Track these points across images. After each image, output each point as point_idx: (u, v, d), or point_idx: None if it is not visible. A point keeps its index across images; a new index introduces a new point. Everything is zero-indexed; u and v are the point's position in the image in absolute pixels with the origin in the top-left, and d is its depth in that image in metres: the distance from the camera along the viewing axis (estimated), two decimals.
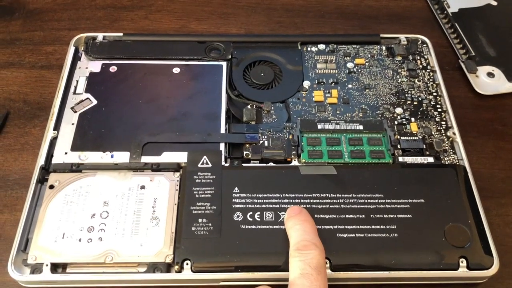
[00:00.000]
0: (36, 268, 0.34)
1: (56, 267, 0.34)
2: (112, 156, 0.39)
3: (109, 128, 0.41)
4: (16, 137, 0.43)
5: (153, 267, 0.34)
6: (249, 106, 0.43)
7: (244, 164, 0.40)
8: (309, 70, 0.46)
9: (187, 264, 0.34)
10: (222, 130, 0.41)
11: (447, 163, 0.40)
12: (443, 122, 0.43)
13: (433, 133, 0.42)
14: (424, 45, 0.49)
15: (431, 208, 0.37)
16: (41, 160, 0.39)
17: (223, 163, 0.39)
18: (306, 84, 0.45)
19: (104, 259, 0.34)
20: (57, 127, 0.41)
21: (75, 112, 0.42)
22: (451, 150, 0.41)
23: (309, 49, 0.48)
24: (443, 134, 0.42)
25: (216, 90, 0.44)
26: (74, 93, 0.43)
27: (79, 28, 0.52)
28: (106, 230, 0.35)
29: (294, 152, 0.40)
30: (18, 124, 0.44)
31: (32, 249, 0.35)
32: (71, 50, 0.47)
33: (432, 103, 0.44)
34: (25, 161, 0.42)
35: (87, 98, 0.43)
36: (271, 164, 0.40)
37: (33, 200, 0.37)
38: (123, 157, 0.39)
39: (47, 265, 0.34)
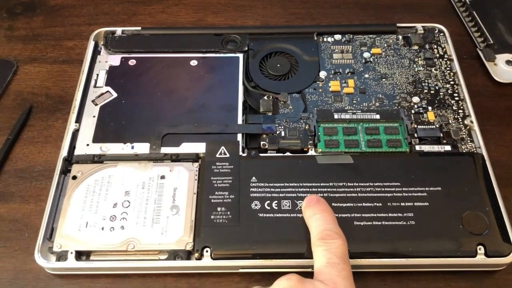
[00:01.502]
0: (62, 256, 0.35)
1: (80, 255, 0.36)
2: (132, 147, 0.40)
3: (129, 120, 0.42)
4: (39, 130, 0.45)
5: (173, 255, 0.35)
6: (265, 97, 0.44)
7: (261, 154, 0.40)
8: (325, 61, 0.46)
9: (206, 251, 0.35)
10: (239, 121, 0.42)
11: (464, 151, 0.40)
12: (460, 111, 0.43)
13: (450, 121, 0.42)
14: (441, 34, 0.48)
15: (448, 196, 0.37)
16: (64, 152, 0.40)
17: (240, 153, 0.40)
18: (323, 74, 0.45)
19: (126, 247, 0.35)
20: (78, 119, 0.42)
21: (96, 105, 0.43)
22: (469, 139, 0.41)
23: (325, 39, 0.48)
24: (461, 123, 0.42)
25: (233, 81, 0.45)
26: (95, 86, 0.44)
27: (98, 23, 0.53)
28: (127, 219, 0.36)
29: (310, 142, 0.41)
30: (41, 118, 0.46)
31: (57, 238, 0.36)
32: (91, 45, 0.48)
33: (449, 91, 0.44)
34: (48, 153, 0.43)
35: (107, 91, 0.44)
36: (288, 154, 0.40)
37: (57, 191, 0.38)
38: (143, 148, 0.40)
39: (71, 253, 0.35)
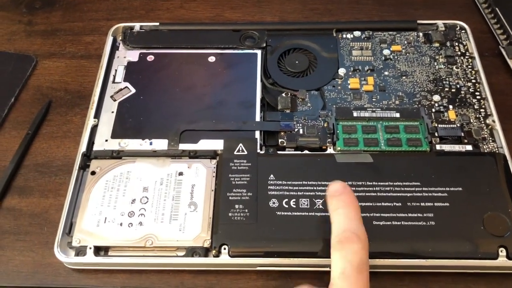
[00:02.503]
0: (80, 251, 0.36)
1: (98, 250, 0.36)
2: (151, 144, 0.40)
3: (147, 116, 0.42)
4: (58, 125, 0.45)
5: (191, 251, 0.35)
6: (284, 94, 0.43)
7: (279, 152, 0.40)
8: (344, 57, 0.46)
9: (224, 248, 0.35)
10: (257, 118, 0.42)
11: (486, 151, 0.39)
12: (482, 110, 0.42)
13: (471, 120, 0.41)
14: (463, 31, 0.48)
15: (469, 196, 0.36)
16: (82, 147, 0.41)
17: (258, 150, 0.39)
18: (342, 71, 0.45)
19: (144, 243, 0.35)
20: (97, 115, 0.42)
21: (115, 100, 0.43)
22: (491, 138, 0.40)
23: (344, 36, 0.47)
24: (482, 122, 0.41)
25: (251, 78, 0.44)
26: (113, 82, 0.45)
27: (116, 18, 0.53)
28: (146, 215, 0.37)
29: (329, 140, 0.40)
30: (60, 112, 0.46)
31: (76, 233, 0.36)
32: (109, 40, 0.48)
33: (470, 90, 0.43)
34: (67, 148, 0.43)
35: (126, 87, 0.44)
36: (306, 152, 0.40)
37: (76, 186, 0.39)
38: (161, 144, 0.40)
39: (90, 248, 0.35)
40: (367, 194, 0.36)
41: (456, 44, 0.46)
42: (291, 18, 0.53)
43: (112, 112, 0.42)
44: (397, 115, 0.41)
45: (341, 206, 0.31)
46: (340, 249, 0.29)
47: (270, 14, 0.53)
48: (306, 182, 0.37)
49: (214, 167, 0.39)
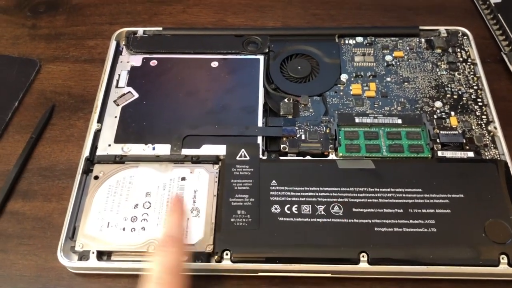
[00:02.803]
0: (83, 255, 0.36)
1: (101, 255, 0.36)
2: (154, 149, 0.40)
3: (150, 121, 0.42)
4: (61, 129, 0.45)
5: (194, 256, 0.35)
6: (286, 100, 0.43)
7: (281, 157, 0.40)
8: (346, 63, 0.46)
9: (226, 254, 0.35)
10: (260, 124, 0.42)
11: (487, 158, 0.40)
12: (483, 116, 0.42)
13: (473, 127, 0.41)
14: (465, 37, 0.48)
15: (471, 203, 0.36)
16: (86, 152, 0.41)
17: (260, 156, 0.40)
18: (344, 77, 0.45)
19: (147, 248, 0.35)
20: (100, 119, 0.43)
21: (118, 105, 0.43)
22: (492, 145, 0.40)
23: (346, 42, 0.48)
24: (484, 129, 0.41)
25: (254, 83, 0.45)
26: (117, 86, 0.45)
27: (120, 23, 0.53)
28: (148, 220, 0.37)
29: (331, 145, 0.40)
30: (63, 117, 0.46)
31: (79, 237, 0.36)
32: (112, 45, 0.48)
33: (472, 96, 0.43)
34: (70, 152, 0.44)
35: (129, 92, 0.44)
36: (308, 157, 0.40)
37: (79, 190, 0.39)
38: (164, 149, 0.40)
39: (93, 253, 0.36)
40: (368, 200, 0.37)
41: (458, 50, 0.47)
42: (293, 24, 0.53)
43: (115, 116, 0.43)
44: (399, 121, 0.41)
45: (168, 213, 0.36)
46: (157, 253, 0.32)
47: (272, 20, 0.53)
48: (308, 188, 0.37)
49: (217, 172, 0.39)
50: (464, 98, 0.43)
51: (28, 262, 0.37)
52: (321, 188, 0.37)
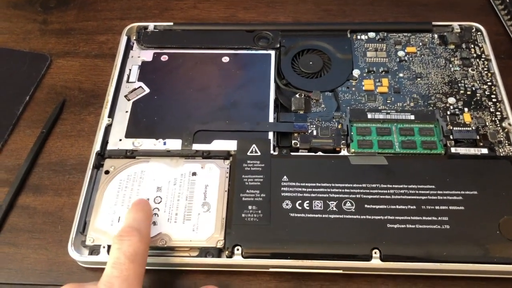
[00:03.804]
0: (94, 250, 0.36)
1: None
2: (164, 143, 0.40)
3: (161, 116, 0.42)
4: (72, 124, 0.45)
5: (204, 252, 0.35)
6: (297, 95, 0.43)
7: (292, 153, 0.40)
8: (358, 59, 0.46)
9: (237, 249, 0.35)
10: (271, 119, 0.42)
11: (502, 154, 0.39)
12: (498, 113, 0.41)
13: (487, 123, 0.41)
14: (479, 33, 0.47)
15: (485, 200, 0.36)
16: (96, 146, 0.41)
17: (271, 151, 0.39)
18: (356, 73, 0.45)
19: (157, 243, 0.35)
20: (111, 114, 0.43)
21: (129, 100, 0.43)
22: (507, 142, 0.40)
23: (358, 37, 0.47)
24: (498, 125, 0.41)
25: (265, 79, 0.44)
26: (127, 81, 0.45)
27: (130, 18, 0.53)
28: (159, 215, 0.37)
29: (343, 141, 0.40)
30: (74, 111, 0.46)
31: (90, 232, 0.36)
32: (123, 40, 0.48)
33: (486, 92, 0.43)
34: (81, 147, 0.43)
35: (140, 87, 0.44)
36: (319, 153, 0.40)
37: (89, 185, 0.39)
38: (175, 144, 0.40)
39: (104, 247, 0.35)
40: (381, 197, 0.36)
41: (472, 46, 0.46)
42: (305, 19, 0.53)
43: (126, 111, 0.42)
44: (412, 117, 0.41)
45: (131, 210, 0.35)
46: (117, 242, 0.32)
47: (283, 15, 0.53)
48: (319, 184, 0.37)
49: (228, 168, 0.39)
50: (477, 94, 0.43)
51: (39, 256, 0.38)
52: (333, 184, 0.37)
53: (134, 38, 0.48)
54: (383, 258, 0.34)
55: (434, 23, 0.48)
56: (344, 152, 0.40)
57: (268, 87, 0.44)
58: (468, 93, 0.43)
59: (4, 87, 0.47)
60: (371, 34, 0.47)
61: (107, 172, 0.39)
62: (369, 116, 0.41)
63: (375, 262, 0.34)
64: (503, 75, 0.44)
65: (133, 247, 0.32)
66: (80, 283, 0.32)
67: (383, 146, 0.39)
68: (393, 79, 0.44)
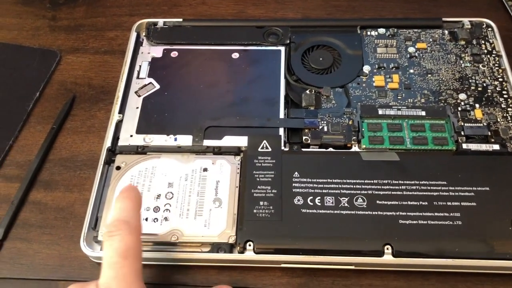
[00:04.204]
0: None
1: None
2: (175, 139, 0.40)
3: (172, 112, 0.42)
4: (82, 120, 0.45)
5: (216, 247, 0.35)
6: (308, 91, 0.43)
7: (303, 149, 0.40)
8: (369, 55, 0.45)
9: (249, 245, 0.35)
10: (281, 115, 0.42)
11: None
12: (509, 109, 0.41)
13: (498, 120, 0.41)
14: (489, 29, 0.47)
15: (497, 196, 0.36)
16: (107, 142, 0.41)
17: (282, 147, 0.39)
18: (366, 69, 0.44)
19: (169, 238, 0.35)
20: (122, 110, 0.43)
21: (139, 96, 0.43)
22: None
23: (368, 33, 0.47)
24: (510, 121, 0.41)
25: (275, 75, 0.44)
26: (138, 77, 0.45)
27: (139, 14, 0.53)
28: (171, 211, 0.37)
29: (354, 137, 0.40)
30: (84, 108, 0.46)
31: (101, 227, 0.36)
32: (133, 36, 0.48)
33: (497, 89, 0.43)
34: (91, 143, 0.44)
35: (150, 83, 0.44)
36: (330, 149, 0.40)
37: (101, 181, 0.39)
38: (186, 140, 0.40)
39: None
40: (393, 192, 0.36)
41: (483, 42, 0.46)
42: (314, 15, 0.52)
43: (137, 107, 0.43)
44: (423, 113, 0.41)
45: (118, 200, 0.32)
46: (107, 239, 0.30)
47: (292, 11, 0.53)
48: (331, 180, 0.37)
49: (239, 164, 0.39)
50: (489, 91, 0.42)
51: (51, 252, 0.38)
52: (345, 180, 0.37)
53: (144, 34, 0.48)
54: (395, 254, 0.34)
55: (444, 19, 0.48)
56: (355, 148, 0.40)
57: (278, 83, 0.44)
58: (479, 89, 0.43)
59: (14, 83, 0.48)
60: (381, 30, 0.47)
61: (118, 168, 0.39)
62: (380, 112, 0.41)
63: (387, 258, 0.34)
64: None
65: (124, 241, 0.30)
66: (83, 283, 0.31)
67: (394, 142, 0.39)
68: (403, 75, 0.44)
